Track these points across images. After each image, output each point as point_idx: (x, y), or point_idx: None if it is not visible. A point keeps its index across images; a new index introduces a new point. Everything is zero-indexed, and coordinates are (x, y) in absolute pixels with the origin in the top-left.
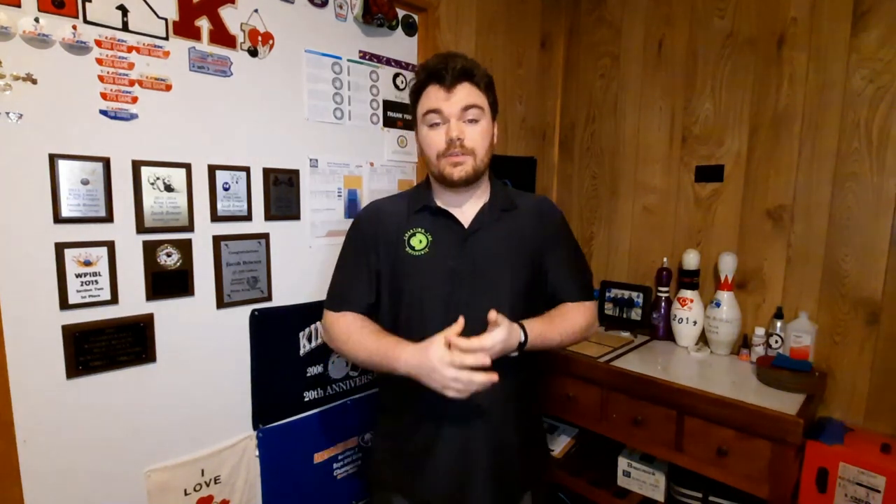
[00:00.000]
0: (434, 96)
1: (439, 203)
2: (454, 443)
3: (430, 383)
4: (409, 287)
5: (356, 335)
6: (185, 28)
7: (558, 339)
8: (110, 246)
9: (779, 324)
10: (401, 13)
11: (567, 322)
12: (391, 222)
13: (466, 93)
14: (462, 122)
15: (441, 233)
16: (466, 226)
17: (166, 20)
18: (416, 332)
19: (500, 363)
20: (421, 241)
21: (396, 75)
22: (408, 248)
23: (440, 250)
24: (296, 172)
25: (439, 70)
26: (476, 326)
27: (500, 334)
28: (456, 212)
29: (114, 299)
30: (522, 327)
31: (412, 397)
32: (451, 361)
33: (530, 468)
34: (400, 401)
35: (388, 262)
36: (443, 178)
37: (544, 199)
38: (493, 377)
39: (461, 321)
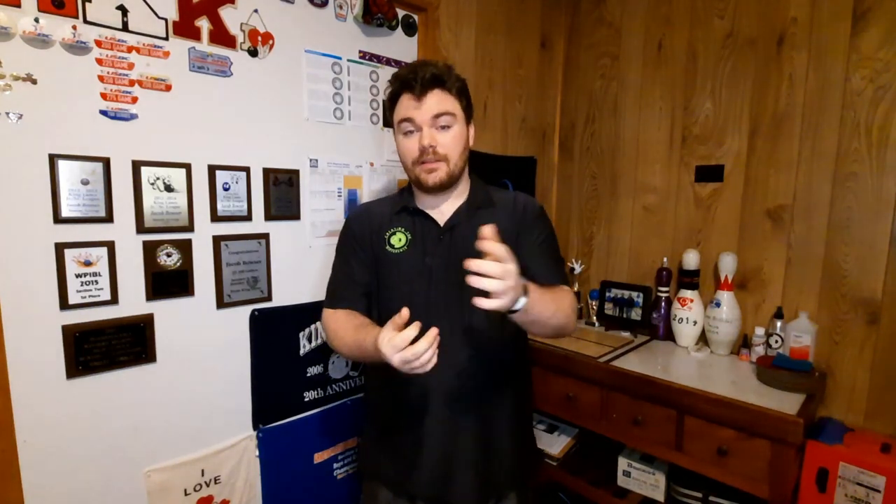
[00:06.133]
0: (406, 105)
1: (419, 205)
2: (438, 437)
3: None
4: (389, 284)
5: (341, 331)
6: (185, 28)
7: (553, 310)
8: (110, 246)
9: (779, 324)
10: (401, 13)
11: (562, 299)
12: (376, 222)
13: (437, 100)
14: (434, 130)
15: (419, 231)
16: (442, 224)
17: (166, 20)
18: None
19: (483, 358)
20: (400, 240)
21: None
22: (388, 247)
23: (417, 248)
24: (296, 172)
25: (409, 79)
26: (451, 323)
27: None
28: (434, 212)
29: (114, 299)
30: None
31: (395, 391)
32: (391, 343)
33: (517, 467)
34: (384, 394)
35: (374, 259)
36: (419, 183)
37: (523, 194)
38: (433, 331)
39: (434, 331)
